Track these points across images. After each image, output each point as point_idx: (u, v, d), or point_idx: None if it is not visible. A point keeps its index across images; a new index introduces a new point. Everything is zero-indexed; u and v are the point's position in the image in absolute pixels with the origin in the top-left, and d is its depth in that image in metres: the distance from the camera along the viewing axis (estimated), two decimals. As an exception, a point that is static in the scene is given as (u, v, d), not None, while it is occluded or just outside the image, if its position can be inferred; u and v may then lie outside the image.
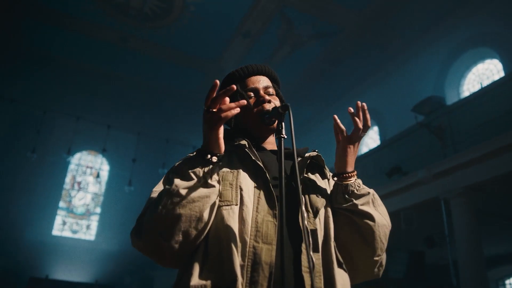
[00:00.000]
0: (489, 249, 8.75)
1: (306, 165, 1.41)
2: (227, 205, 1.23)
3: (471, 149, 6.36)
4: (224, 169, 1.31)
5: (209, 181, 1.17)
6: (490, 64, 9.90)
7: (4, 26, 11.14)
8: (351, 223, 1.32)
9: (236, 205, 1.23)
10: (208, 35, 11.42)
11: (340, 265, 1.26)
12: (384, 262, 1.39)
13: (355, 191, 1.32)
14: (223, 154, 1.24)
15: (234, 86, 1.15)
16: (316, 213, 1.30)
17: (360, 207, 1.30)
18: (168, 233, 1.14)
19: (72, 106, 13.14)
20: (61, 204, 14.84)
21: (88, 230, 14.97)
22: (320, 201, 1.33)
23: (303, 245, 1.19)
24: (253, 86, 1.49)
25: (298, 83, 13.20)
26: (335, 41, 11.47)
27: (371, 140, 12.93)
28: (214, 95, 1.15)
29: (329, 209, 1.34)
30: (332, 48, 11.71)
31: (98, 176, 15.04)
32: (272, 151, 1.45)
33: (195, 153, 1.26)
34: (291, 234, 1.19)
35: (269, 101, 1.45)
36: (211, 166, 1.18)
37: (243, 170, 1.32)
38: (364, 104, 1.36)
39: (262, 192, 1.28)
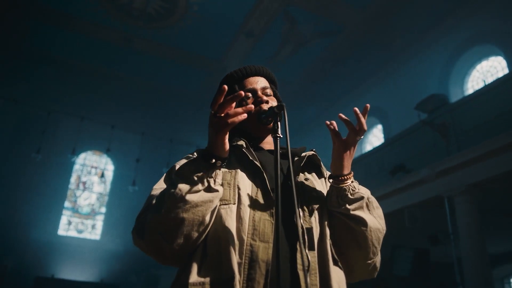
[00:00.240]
0: (494, 247, 8.74)
1: (303, 164, 1.42)
2: (225, 204, 1.25)
3: (475, 147, 6.34)
4: (222, 169, 1.32)
5: (213, 185, 1.19)
6: (494, 61, 9.86)
7: (9, 28, 11.21)
8: (344, 225, 1.33)
9: (234, 204, 1.25)
10: (211, 34, 11.43)
11: (335, 263, 1.28)
12: (378, 265, 1.40)
13: (349, 195, 1.32)
14: (227, 156, 1.25)
15: (242, 93, 1.15)
16: (311, 212, 1.31)
17: (352, 212, 1.31)
18: (170, 236, 1.16)
19: (76, 107, 13.21)
20: (67, 204, 14.94)
21: (93, 230, 15.06)
22: (315, 200, 1.35)
23: (300, 243, 1.20)
24: (251, 87, 1.51)
25: (301, 82, 13.20)
26: (338, 40, 11.45)
27: (375, 138, 12.92)
28: (222, 100, 1.16)
29: (325, 208, 1.36)
30: (335, 46, 11.69)
31: (102, 176, 15.11)
32: (269, 151, 1.47)
33: (195, 154, 1.27)
34: (287, 233, 1.21)
35: (267, 102, 1.46)
36: (215, 170, 1.20)
37: (241, 170, 1.33)
38: (356, 109, 1.35)
39: (259, 192, 1.30)
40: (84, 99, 13.54)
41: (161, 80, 13.45)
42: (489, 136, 6.18)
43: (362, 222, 1.30)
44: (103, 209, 15.48)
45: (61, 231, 14.40)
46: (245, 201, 1.26)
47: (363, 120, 1.32)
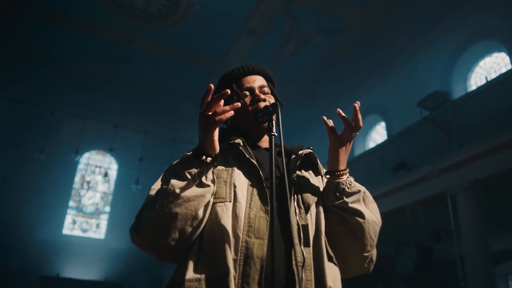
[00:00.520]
0: (497, 245, 8.71)
1: (300, 162, 1.44)
2: (221, 202, 1.27)
3: (477, 143, 6.32)
4: (219, 167, 1.35)
5: (204, 181, 1.22)
6: (497, 57, 9.81)
7: (12, 29, 11.27)
8: (341, 219, 1.35)
9: (230, 201, 1.27)
10: (214, 33, 11.44)
11: (330, 259, 1.30)
12: (374, 258, 1.42)
13: (346, 189, 1.35)
14: (218, 153, 1.27)
15: (228, 91, 1.18)
16: (307, 209, 1.33)
17: (350, 204, 1.33)
18: (165, 231, 1.19)
19: (79, 106, 13.27)
20: (71, 203, 15.01)
21: (98, 229, 15.13)
22: (311, 198, 1.37)
23: (294, 240, 1.22)
24: (248, 86, 1.53)
25: (303, 80, 13.19)
26: (340, 38, 11.43)
27: (379, 135, 12.89)
28: (209, 98, 1.19)
29: (320, 205, 1.38)
30: (338, 44, 11.67)
31: (106, 175, 15.19)
32: (266, 149, 1.48)
33: (191, 152, 1.29)
34: (283, 229, 1.23)
35: (264, 100, 1.48)
36: (205, 166, 1.22)
37: (238, 168, 1.36)
38: (356, 104, 1.37)
39: (255, 189, 1.32)
40: (86, 98, 13.59)
41: (163, 79, 13.48)
42: (491, 132, 6.17)
43: (359, 214, 1.33)
44: (107, 208, 15.54)
45: (65, 230, 14.48)
46: (241, 198, 1.28)
47: (359, 116, 1.34)
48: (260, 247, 1.19)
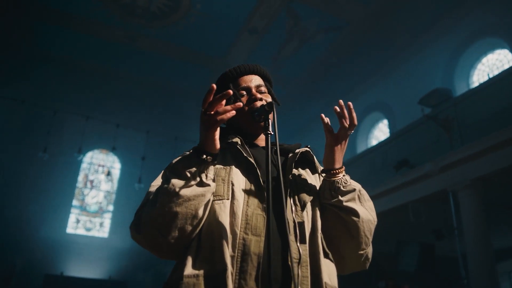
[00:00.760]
0: (500, 242, 8.69)
1: (297, 160, 1.46)
2: (219, 200, 1.29)
3: (479, 141, 6.31)
4: (218, 166, 1.36)
5: (205, 180, 1.23)
6: (500, 54, 9.78)
7: (14, 29, 11.32)
8: (337, 217, 1.37)
9: (228, 199, 1.29)
10: (215, 32, 11.45)
11: (326, 256, 1.31)
12: (370, 256, 1.44)
13: (341, 188, 1.37)
14: (218, 152, 1.29)
15: (231, 91, 1.19)
16: (303, 206, 1.35)
17: (345, 203, 1.35)
18: (165, 230, 1.21)
19: (81, 106, 13.30)
20: (75, 202, 15.05)
21: (101, 228, 15.16)
22: (307, 195, 1.38)
23: (290, 237, 1.25)
24: (245, 85, 1.54)
25: (305, 78, 13.19)
26: (342, 36, 11.41)
27: (381, 133, 12.88)
28: (211, 98, 1.20)
29: (317, 202, 1.40)
30: (340, 42, 11.66)
31: (109, 174, 15.23)
32: (264, 147, 1.50)
33: (191, 150, 1.31)
34: (279, 227, 1.25)
35: (261, 99, 1.49)
36: (206, 165, 1.24)
37: (236, 167, 1.38)
38: (350, 103, 1.40)
39: (252, 187, 1.34)
40: (88, 98, 13.62)
41: (165, 78, 13.50)
42: (493, 130, 6.16)
43: (354, 213, 1.34)
44: (111, 207, 15.57)
45: (69, 229, 14.52)
46: (239, 196, 1.30)
47: (353, 114, 1.37)
48: (257, 244, 1.21)
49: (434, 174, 6.99)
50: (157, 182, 1.35)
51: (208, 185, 1.24)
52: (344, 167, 1.42)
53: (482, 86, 7.25)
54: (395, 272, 8.73)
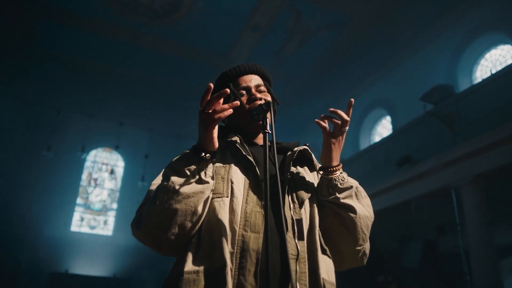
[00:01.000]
0: (503, 238, 8.67)
1: (295, 158, 1.48)
2: (219, 197, 1.31)
3: (481, 137, 6.30)
4: (217, 164, 1.39)
5: (203, 177, 1.25)
6: (503, 50, 9.73)
7: (17, 28, 11.35)
8: (334, 214, 1.39)
9: (227, 197, 1.31)
10: (217, 29, 11.45)
11: (324, 252, 1.34)
12: (367, 252, 1.46)
13: (339, 185, 1.38)
14: (217, 150, 1.32)
15: (228, 90, 1.22)
16: (301, 203, 1.37)
17: (342, 200, 1.37)
18: (165, 226, 1.23)
19: (85, 105, 13.36)
20: (79, 200, 15.13)
21: (105, 226, 15.23)
22: (305, 193, 1.40)
23: (288, 233, 1.27)
24: (245, 85, 1.56)
25: (308, 75, 13.17)
26: (345, 32, 11.39)
27: (385, 130, 12.87)
28: (209, 97, 1.23)
29: (314, 200, 1.42)
30: (342, 39, 11.63)
31: (112, 172, 15.28)
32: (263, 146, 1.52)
33: (191, 149, 1.33)
34: (277, 224, 1.26)
35: (260, 99, 1.51)
36: (204, 163, 1.27)
37: (235, 165, 1.40)
38: (351, 100, 1.43)
39: (251, 185, 1.36)
40: (91, 96, 13.66)
41: (168, 76, 13.52)
42: (495, 126, 6.14)
43: (351, 209, 1.36)
44: (115, 205, 15.63)
45: (74, 227, 14.60)
46: (238, 194, 1.32)
47: (340, 112, 1.38)
48: (255, 241, 1.23)
49: (437, 170, 6.98)
50: (158, 180, 1.37)
51: (207, 182, 1.26)
52: (341, 164, 1.44)
53: (484, 82, 7.22)
54: (398, 268, 8.74)
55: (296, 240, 1.27)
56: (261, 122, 1.39)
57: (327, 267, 1.31)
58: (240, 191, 1.33)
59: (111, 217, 15.43)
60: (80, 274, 13.01)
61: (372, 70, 12.42)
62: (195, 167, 1.25)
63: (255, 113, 1.43)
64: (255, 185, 1.35)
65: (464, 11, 9.93)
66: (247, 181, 1.37)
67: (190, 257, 1.23)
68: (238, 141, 1.44)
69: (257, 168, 1.37)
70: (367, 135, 13.20)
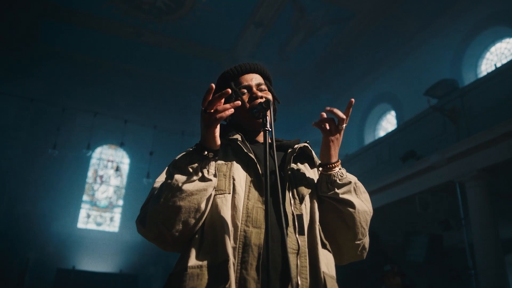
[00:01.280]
0: (507, 233, 8.65)
1: (296, 155, 1.51)
2: (221, 194, 1.35)
3: (486, 131, 6.28)
4: (219, 161, 1.42)
5: (206, 175, 1.29)
6: (508, 43, 9.68)
7: (21, 26, 11.42)
8: (334, 209, 1.41)
9: (229, 193, 1.35)
10: (221, 26, 11.46)
11: (324, 246, 1.37)
12: (367, 246, 1.49)
13: (338, 181, 1.41)
14: (219, 148, 1.35)
15: (229, 90, 1.25)
16: (302, 199, 1.40)
17: (341, 195, 1.39)
18: (169, 223, 1.27)
19: (89, 102, 13.41)
20: (85, 197, 15.22)
21: (111, 222, 15.32)
22: (305, 189, 1.43)
23: (289, 229, 1.30)
24: (246, 84, 1.59)
25: (312, 70, 13.15)
26: (349, 27, 11.36)
27: (389, 124, 12.84)
28: (211, 97, 1.26)
29: (315, 195, 1.45)
30: (346, 33, 11.60)
31: (117, 169, 15.36)
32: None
33: (194, 147, 1.36)
34: (278, 219, 1.29)
35: (261, 97, 1.54)
36: (207, 161, 1.30)
37: (237, 162, 1.43)
38: (352, 100, 1.45)
39: (253, 181, 1.39)
40: (96, 94, 13.74)
41: (172, 72, 13.55)
42: (500, 120, 6.12)
43: (350, 204, 1.39)
44: (121, 202, 15.72)
45: (80, 224, 14.70)
46: (239, 190, 1.36)
47: (336, 111, 1.41)
48: (257, 236, 1.26)
49: (441, 165, 6.97)
50: (161, 178, 1.41)
51: (210, 180, 1.29)
52: (340, 161, 1.46)
53: (489, 76, 7.18)
54: (403, 262, 8.74)
55: (297, 235, 1.30)
56: (261, 120, 1.42)
57: (327, 261, 1.34)
58: (241, 188, 1.36)
59: (117, 214, 15.52)
60: (87, 270, 13.12)
61: (377, 65, 12.39)
62: (198, 165, 1.28)
63: (256, 111, 1.46)
64: (257, 181, 1.38)
65: (469, 4, 9.88)
66: (249, 178, 1.40)
67: (193, 252, 1.26)
68: (240, 138, 1.47)
69: (258, 165, 1.40)
70: (371, 130, 13.18)
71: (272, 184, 1.25)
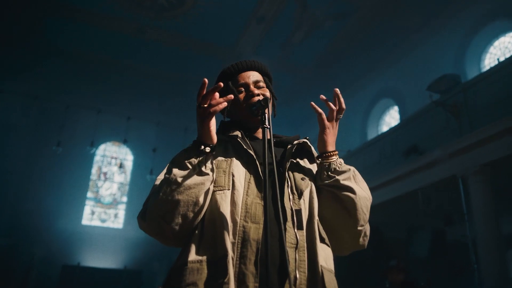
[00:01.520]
0: (510, 227, 8.62)
1: (295, 151, 1.53)
2: (221, 190, 1.38)
3: (488, 126, 6.27)
4: (219, 158, 1.46)
5: (203, 169, 1.31)
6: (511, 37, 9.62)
7: (24, 24, 11.44)
8: (334, 197, 1.44)
9: (228, 189, 1.38)
10: (223, 22, 11.44)
11: (322, 240, 1.39)
12: (368, 233, 1.51)
13: (337, 168, 1.45)
14: (217, 144, 1.38)
15: (221, 84, 1.28)
16: (300, 194, 1.42)
17: (342, 181, 1.42)
18: (169, 217, 1.30)
19: (93, 99, 13.46)
20: (89, 194, 15.32)
21: (116, 219, 15.41)
22: (304, 184, 1.46)
23: (288, 223, 1.33)
24: (243, 82, 1.61)
25: (315, 66, 13.12)
26: (351, 21, 11.31)
27: (393, 119, 12.82)
28: (204, 92, 1.29)
29: (313, 191, 1.46)
30: (349, 28, 11.55)
31: (121, 166, 15.43)
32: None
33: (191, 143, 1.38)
34: (277, 214, 1.30)
35: (258, 95, 1.56)
36: (204, 156, 1.32)
37: (236, 158, 1.46)
38: (336, 89, 1.53)
39: (252, 178, 1.42)
40: (99, 91, 13.77)
41: (175, 69, 13.55)
42: (502, 115, 6.11)
43: (350, 190, 1.42)
44: (125, 198, 15.81)
45: (85, 221, 14.81)
46: (239, 186, 1.38)
47: (341, 100, 1.48)
48: (256, 231, 1.29)
49: (443, 160, 6.97)
50: (162, 175, 1.43)
51: (207, 174, 1.32)
52: (337, 151, 1.49)
53: (491, 70, 7.15)
54: (406, 257, 8.75)
55: (296, 230, 1.32)
56: (260, 117, 1.44)
57: (325, 255, 1.36)
58: (241, 184, 1.39)
59: (121, 210, 15.61)
60: (92, 266, 13.24)
61: (380, 60, 12.34)
62: (195, 160, 1.31)
63: (255, 109, 1.47)
64: (256, 177, 1.41)
65: (472, -1, 9.82)
66: (248, 174, 1.42)
67: (193, 247, 1.29)
68: (240, 135, 1.50)
69: (257, 161, 1.42)
70: (374, 125, 13.16)
71: (271, 180, 1.26)
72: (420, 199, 7.38)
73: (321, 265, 1.30)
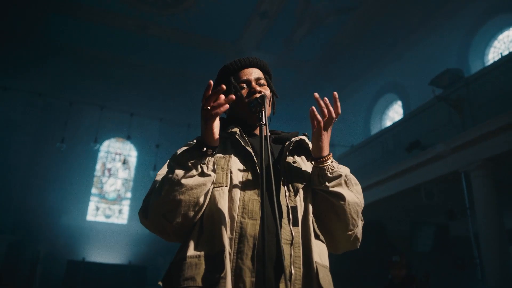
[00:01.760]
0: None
1: (293, 148, 1.55)
2: (219, 187, 1.40)
3: (490, 121, 6.25)
4: (218, 155, 1.47)
5: (206, 170, 1.33)
6: (515, 31, 9.58)
7: (28, 21, 11.47)
8: (326, 201, 1.45)
9: (226, 186, 1.40)
10: (226, 17, 11.44)
11: (317, 237, 1.41)
12: (359, 236, 1.53)
13: (328, 174, 1.44)
14: (218, 144, 1.39)
15: (224, 86, 1.28)
16: (296, 191, 1.44)
17: (331, 188, 1.43)
18: (170, 216, 1.33)
19: (96, 96, 13.49)
20: (93, 190, 15.39)
21: (120, 215, 15.49)
22: (300, 181, 1.48)
23: (284, 220, 1.35)
24: (245, 78, 1.62)
25: (318, 61, 13.11)
26: (354, 16, 11.28)
27: (396, 114, 12.80)
28: (209, 93, 1.30)
29: (309, 188, 1.49)
30: (352, 23, 11.53)
31: (125, 162, 15.48)
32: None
33: (195, 141, 1.40)
34: (273, 211, 1.32)
35: (260, 92, 1.57)
36: (206, 157, 1.34)
37: (235, 155, 1.48)
38: (335, 93, 1.49)
39: (249, 174, 1.43)
40: (102, 87, 13.81)
41: (178, 65, 13.56)
42: (505, 110, 6.09)
43: (340, 197, 1.42)
44: (129, 194, 15.88)
45: (89, 217, 14.89)
46: (237, 183, 1.40)
47: (338, 104, 1.46)
48: (253, 227, 1.31)
49: (446, 155, 6.96)
50: (163, 171, 1.46)
51: (209, 175, 1.34)
52: (331, 154, 1.49)
53: (494, 65, 7.12)
54: (409, 252, 8.77)
55: (291, 226, 1.35)
56: (257, 114, 1.45)
57: (320, 251, 1.38)
58: (238, 181, 1.41)
59: (125, 206, 15.69)
60: (97, 262, 13.33)
61: (383, 55, 12.31)
62: (198, 161, 1.32)
63: (252, 106, 1.49)
64: (253, 174, 1.42)
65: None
66: (246, 171, 1.44)
67: (192, 243, 1.32)
68: (238, 132, 1.51)
69: (255, 158, 1.44)
70: (378, 120, 13.14)
71: (267, 177, 1.29)
72: (423, 194, 7.38)
73: (315, 261, 1.32)
